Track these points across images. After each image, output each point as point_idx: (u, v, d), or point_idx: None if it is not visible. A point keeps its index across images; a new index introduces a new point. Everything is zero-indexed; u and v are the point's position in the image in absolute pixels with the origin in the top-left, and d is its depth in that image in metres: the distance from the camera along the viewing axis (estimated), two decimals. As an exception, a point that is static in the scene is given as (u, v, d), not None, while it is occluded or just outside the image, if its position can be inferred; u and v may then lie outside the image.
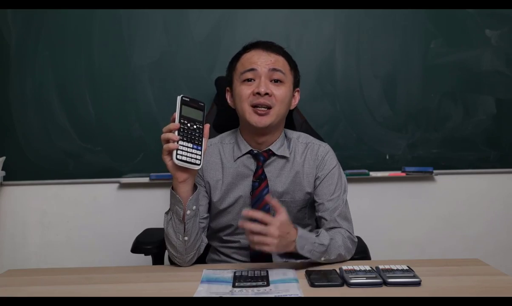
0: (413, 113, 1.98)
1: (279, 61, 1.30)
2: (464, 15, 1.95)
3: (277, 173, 1.34)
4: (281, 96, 1.28)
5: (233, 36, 1.91)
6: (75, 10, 1.89)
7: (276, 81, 1.29)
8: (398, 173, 1.99)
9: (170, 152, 1.08)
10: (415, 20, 1.95)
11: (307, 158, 1.36)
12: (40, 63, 1.93)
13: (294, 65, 1.36)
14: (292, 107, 1.37)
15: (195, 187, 1.18)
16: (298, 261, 1.15)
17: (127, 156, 1.96)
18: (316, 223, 1.46)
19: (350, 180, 1.91)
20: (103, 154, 1.96)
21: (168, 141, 1.08)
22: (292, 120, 1.61)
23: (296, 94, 1.38)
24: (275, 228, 1.05)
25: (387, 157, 1.99)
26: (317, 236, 1.16)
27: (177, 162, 1.07)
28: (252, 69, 1.28)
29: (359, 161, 1.98)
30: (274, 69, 1.28)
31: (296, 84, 1.37)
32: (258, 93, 1.26)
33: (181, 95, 1.10)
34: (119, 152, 1.96)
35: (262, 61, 1.28)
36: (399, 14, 1.94)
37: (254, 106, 1.27)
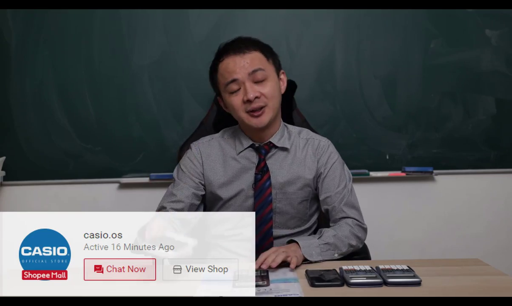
0: (413, 113, 1.98)
1: (255, 59, 1.30)
2: (464, 15, 1.94)
3: (278, 165, 1.37)
4: (270, 92, 1.30)
5: (233, 36, 1.86)
6: (75, 10, 1.89)
7: (259, 80, 1.29)
8: (398, 173, 1.99)
9: None
10: (415, 20, 1.94)
11: (308, 153, 1.39)
12: (40, 63, 1.92)
13: (269, 52, 1.36)
14: (282, 91, 1.38)
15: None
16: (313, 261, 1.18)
17: (127, 156, 1.96)
18: (319, 214, 1.47)
19: (350, 180, 1.92)
20: (103, 154, 1.95)
21: None
22: (292, 120, 1.61)
23: (282, 76, 1.39)
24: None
25: (387, 157, 1.99)
26: (319, 237, 1.18)
27: None
28: (233, 80, 1.29)
29: (359, 161, 1.98)
30: (254, 71, 1.29)
31: (278, 68, 1.37)
32: (249, 100, 1.28)
33: None
34: (119, 152, 1.96)
35: (239, 67, 1.29)
36: (399, 14, 1.93)
37: (249, 111, 1.30)
